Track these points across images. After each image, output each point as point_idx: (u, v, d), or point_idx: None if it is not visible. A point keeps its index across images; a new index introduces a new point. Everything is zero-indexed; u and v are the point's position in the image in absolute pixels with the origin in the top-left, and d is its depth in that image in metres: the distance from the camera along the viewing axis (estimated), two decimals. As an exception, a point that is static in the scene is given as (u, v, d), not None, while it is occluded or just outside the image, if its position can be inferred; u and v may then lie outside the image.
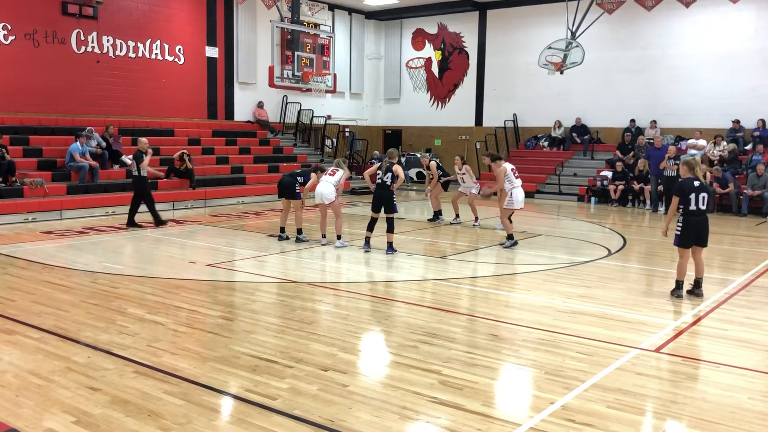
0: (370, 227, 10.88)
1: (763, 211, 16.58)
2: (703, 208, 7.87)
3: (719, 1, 19.70)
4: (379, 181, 10.62)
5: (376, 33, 27.14)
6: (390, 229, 10.65)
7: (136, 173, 12.82)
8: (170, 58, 19.77)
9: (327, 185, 11.00)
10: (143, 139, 13.22)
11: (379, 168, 10.68)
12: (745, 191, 17.00)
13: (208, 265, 9.67)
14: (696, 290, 8.03)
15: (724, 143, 18.68)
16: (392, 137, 27.41)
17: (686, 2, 20.23)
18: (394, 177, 10.51)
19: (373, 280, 9.06)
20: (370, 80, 27.08)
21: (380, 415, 4.48)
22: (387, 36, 27.26)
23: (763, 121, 18.70)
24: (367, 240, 10.86)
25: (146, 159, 12.77)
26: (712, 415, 4.59)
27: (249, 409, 4.57)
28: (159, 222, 13.18)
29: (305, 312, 7.16)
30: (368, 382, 5.19)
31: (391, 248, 10.59)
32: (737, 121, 19.14)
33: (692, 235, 7.89)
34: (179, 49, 19.94)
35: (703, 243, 7.97)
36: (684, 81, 20.37)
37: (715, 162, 18.29)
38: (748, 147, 18.78)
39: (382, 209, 10.64)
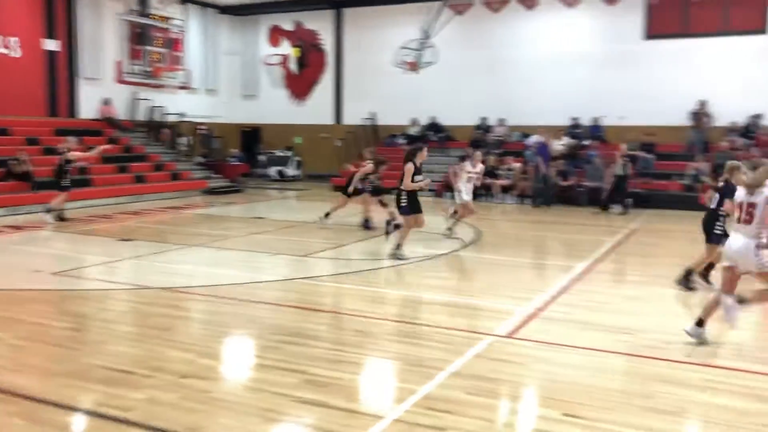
0: None
1: (601, 201, 17.80)
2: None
3: (558, 6, 21.05)
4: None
5: (231, 28, 26.49)
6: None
7: None
8: (4, 51, 18.22)
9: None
10: None
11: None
12: (584, 183, 18.29)
13: (54, 273, 9.01)
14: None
15: (566, 138, 20.01)
16: (250, 135, 26.90)
17: (528, 6, 21.44)
18: None
19: (233, 282, 8.81)
20: (227, 76, 26.35)
21: (243, 420, 4.40)
22: (244, 32, 26.68)
23: (595, 118, 20.23)
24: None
25: None
26: (562, 394, 4.91)
27: (103, 424, 4.32)
28: None
29: (162, 318, 6.86)
30: (230, 387, 5.09)
31: None
32: (575, 119, 20.57)
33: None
34: (14, 41, 18.41)
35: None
36: (529, 81, 21.45)
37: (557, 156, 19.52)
38: (587, 142, 20.23)
39: None
